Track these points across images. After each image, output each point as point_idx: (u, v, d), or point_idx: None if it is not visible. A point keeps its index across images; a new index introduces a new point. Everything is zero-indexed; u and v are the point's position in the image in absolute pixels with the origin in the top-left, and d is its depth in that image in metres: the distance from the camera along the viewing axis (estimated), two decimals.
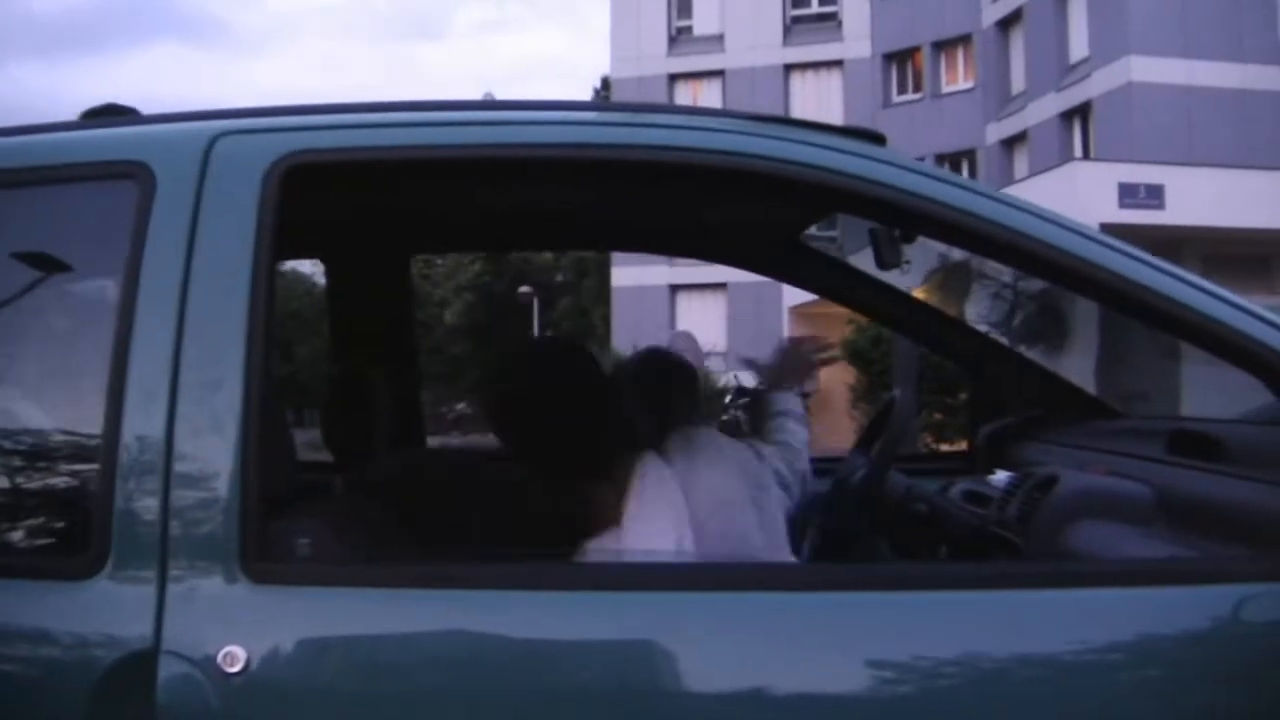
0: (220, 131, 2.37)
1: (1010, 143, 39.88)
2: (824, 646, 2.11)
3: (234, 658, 2.04)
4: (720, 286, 41.69)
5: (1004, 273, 20.81)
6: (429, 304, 55.36)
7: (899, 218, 2.60)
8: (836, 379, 31.90)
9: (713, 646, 2.10)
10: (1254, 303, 2.31)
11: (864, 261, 3.61)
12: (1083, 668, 2.07)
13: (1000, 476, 3.49)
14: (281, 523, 2.47)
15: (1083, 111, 35.44)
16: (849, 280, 4.23)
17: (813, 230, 4.27)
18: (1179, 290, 2.26)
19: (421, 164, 2.51)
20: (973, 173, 40.63)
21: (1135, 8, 32.46)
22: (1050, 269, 2.36)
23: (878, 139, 2.50)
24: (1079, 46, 35.49)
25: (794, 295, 32.00)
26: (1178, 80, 32.11)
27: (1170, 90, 32.03)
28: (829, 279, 4.30)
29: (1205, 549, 2.57)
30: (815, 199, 2.93)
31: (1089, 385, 4.54)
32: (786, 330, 39.15)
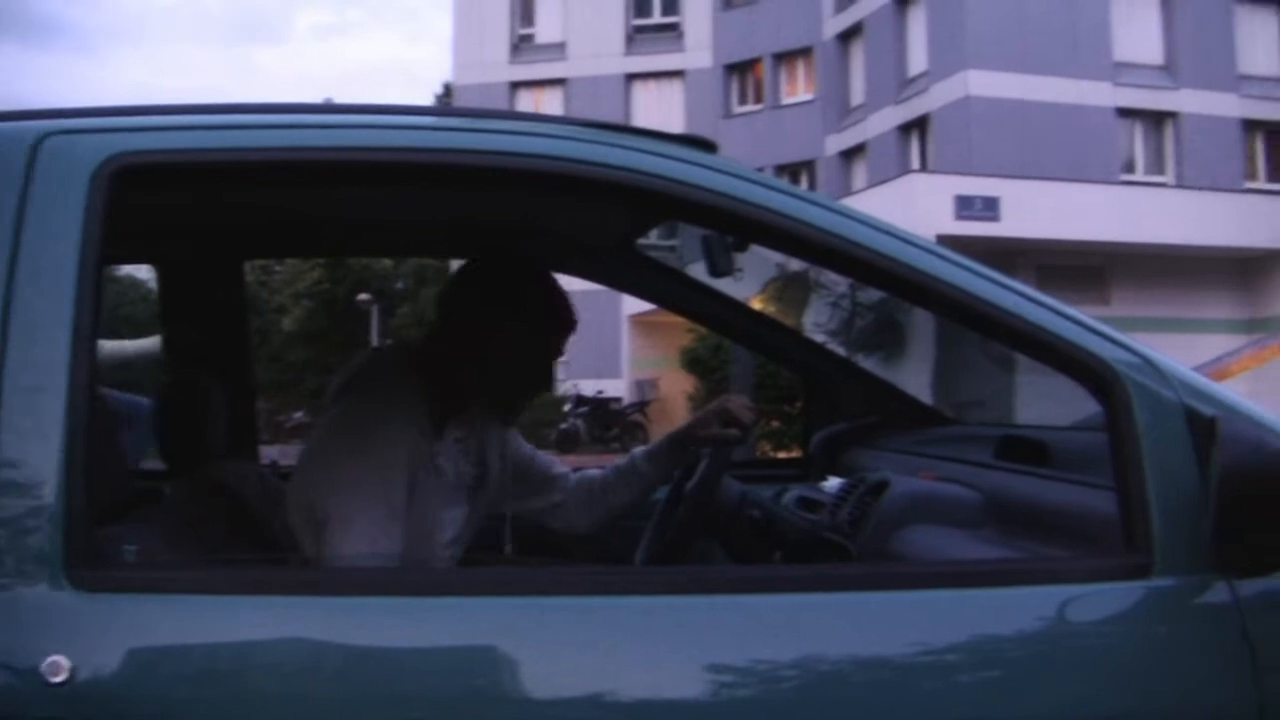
0: (47, 131, 2.27)
1: (849, 154, 40.33)
2: (664, 650, 2.08)
3: (58, 667, 1.96)
4: None
5: (839, 281, 21.00)
6: (267, 310, 54.59)
7: (731, 225, 2.62)
8: (676, 387, 32.04)
9: (553, 651, 2.07)
10: (1086, 313, 2.35)
11: (699, 270, 3.67)
12: (918, 668, 2.08)
13: (833, 483, 3.52)
14: (108, 530, 2.47)
15: (921, 124, 35.96)
16: (684, 288, 4.21)
17: (650, 238, 4.30)
18: (1007, 299, 2.29)
19: (254, 167, 2.41)
20: (812, 184, 41.12)
21: (973, 23, 32.99)
22: (882, 277, 2.37)
23: (709, 146, 2.48)
24: (918, 60, 36.01)
25: (634, 304, 32.02)
26: (1014, 95, 32.66)
27: (1007, 104, 32.58)
28: (664, 287, 4.28)
29: (1032, 551, 2.64)
30: (647, 206, 2.93)
31: (921, 393, 4.58)
32: (625, 338, 39.27)
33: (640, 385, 38.07)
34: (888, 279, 2.37)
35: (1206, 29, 34.89)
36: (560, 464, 3.67)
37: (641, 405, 35.30)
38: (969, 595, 2.17)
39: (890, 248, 2.31)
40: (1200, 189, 31.44)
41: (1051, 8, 33.15)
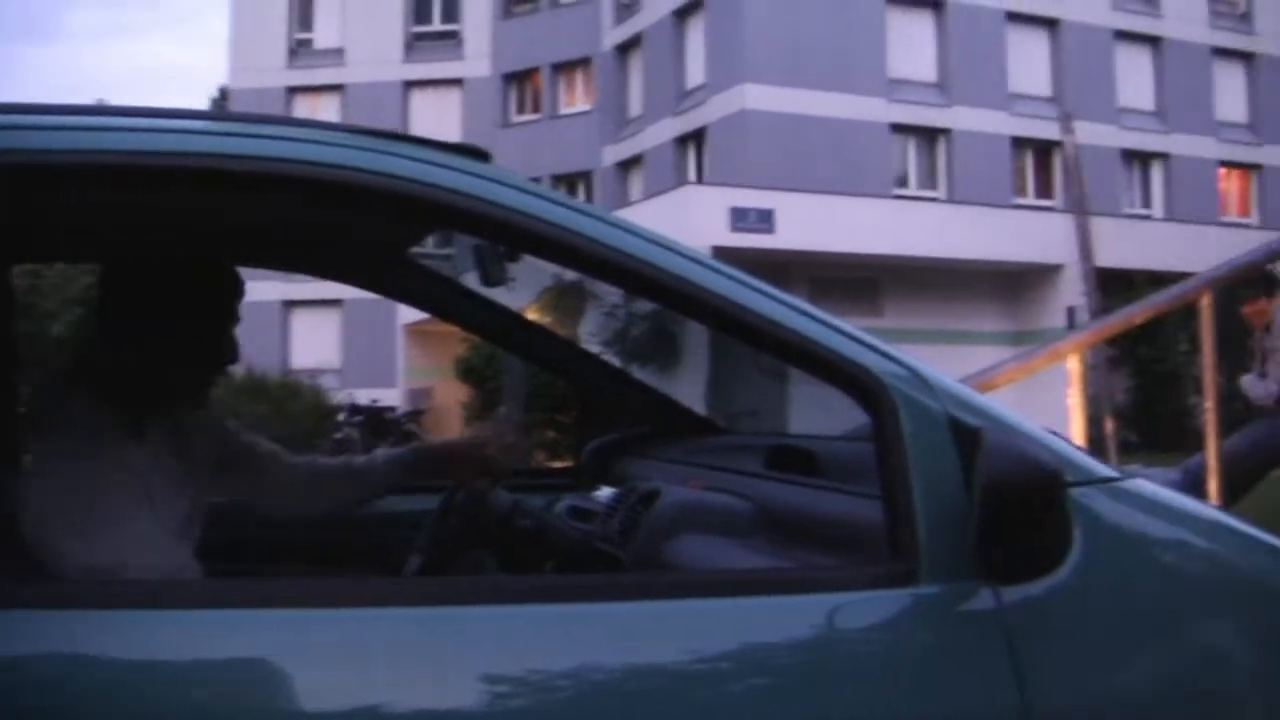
0: None
1: (626, 165, 40.50)
2: (436, 662, 2.04)
3: None
4: (336, 303, 40.85)
5: (613, 292, 20.96)
6: (36, 316, 52.89)
7: (503, 235, 2.56)
8: (451, 397, 31.75)
9: (322, 665, 2.02)
10: (858, 325, 2.37)
11: (473, 279, 3.67)
12: (691, 677, 2.08)
13: (604, 492, 3.53)
14: None
15: (698, 136, 36.21)
16: (457, 297, 4.13)
17: (424, 247, 4.26)
18: (774, 310, 2.30)
19: (15, 169, 2.28)
20: (588, 194, 41.38)
21: (751, 38, 33.31)
22: (652, 288, 2.37)
23: (481, 155, 2.45)
24: (696, 73, 36.28)
25: (409, 313, 31.65)
26: (790, 109, 33.04)
27: (783, 118, 32.92)
28: (437, 296, 4.17)
29: (803, 560, 2.66)
30: (418, 215, 2.84)
31: (694, 403, 4.74)
32: (400, 347, 38.89)
33: (415, 394, 37.79)
34: (657, 290, 2.36)
35: (979, 48, 35.76)
36: (284, 451, 3.50)
37: (416, 414, 34.96)
38: (739, 604, 2.17)
39: (660, 259, 2.30)
40: (971, 204, 32.12)
41: (828, 24, 33.64)
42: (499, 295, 3.78)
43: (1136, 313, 5.92)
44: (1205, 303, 5.45)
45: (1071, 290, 25.90)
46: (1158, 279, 17.62)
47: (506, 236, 2.54)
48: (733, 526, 2.92)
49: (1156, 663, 2.29)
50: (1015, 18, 36.77)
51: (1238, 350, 9.75)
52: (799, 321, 2.29)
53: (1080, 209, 11.29)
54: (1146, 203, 38.97)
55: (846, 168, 32.44)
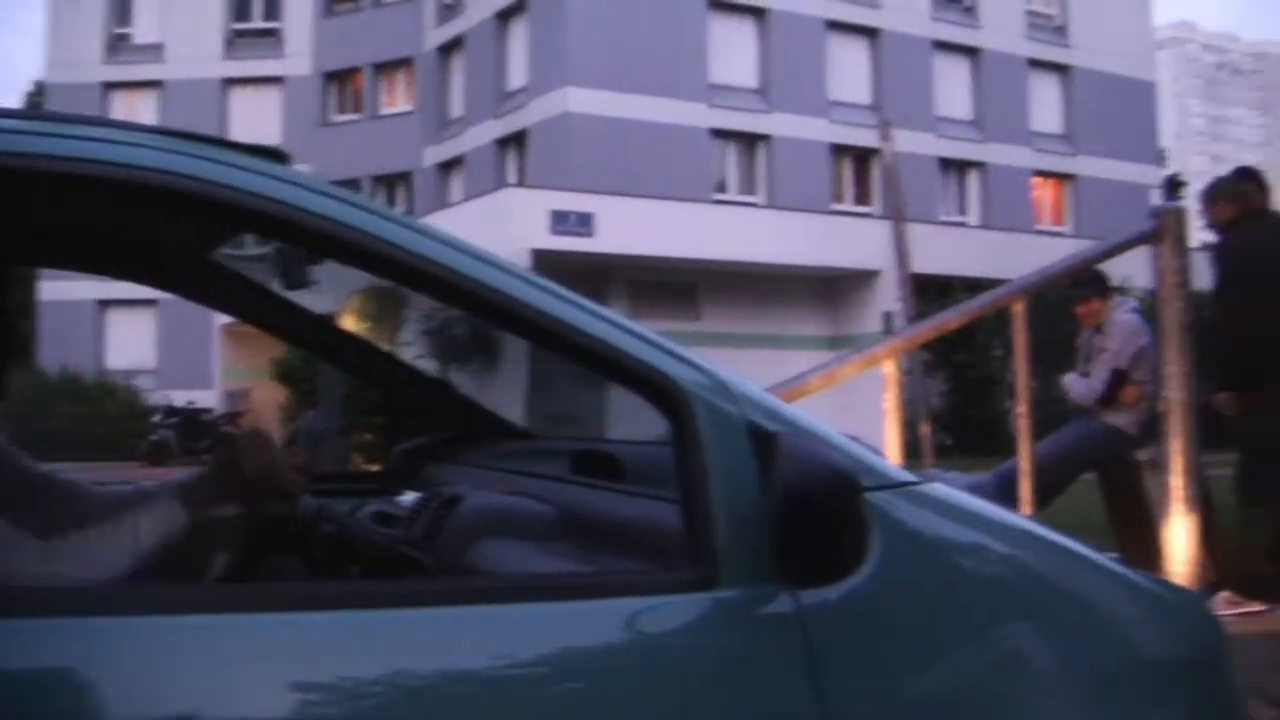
0: None
1: (447, 166, 40.40)
2: (246, 668, 1.97)
3: None
4: (151, 303, 40.07)
5: (421, 297, 20.85)
6: None
7: (296, 237, 2.50)
8: (269, 397, 31.40)
9: (131, 672, 1.93)
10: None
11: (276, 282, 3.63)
12: (496, 682, 2.06)
13: (409, 497, 3.46)
14: None
15: (519, 139, 36.20)
16: (262, 301, 3.98)
17: (232, 250, 4.05)
18: (574, 315, 2.30)
19: None
20: (408, 195, 41.19)
21: (574, 41, 33.36)
22: (452, 293, 2.33)
23: (279, 157, 2.38)
24: (518, 75, 36.29)
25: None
26: (612, 113, 33.15)
27: (604, 122, 33.02)
28: (241, 299, 4.04)
29: (605, 564, 2.65)
30: (212, 215, 2.75)
31: (501, 407, 4.54)
32: (217, 348, 38.36)
33: (232, 396, 37.39)
34: (457, 294, 2.33)
35: (800, 55, 36.19)
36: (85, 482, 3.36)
37: (233, 416, 34.46)
38: (541, 609, 2.16)
39: (460, 263, 2.28)
40: (790, 210, 32.36)
41: (651, 29, 33.80)
42: (304, 298, 3.71)
43: (951, 318, 5.94)
44: (1018, 309, 5.48)
45: (888, 296, 26.19)
46: (973, 285, 17.86)
47: (301, 239, 2.48)
48: (535, 531, 2.93)
49: (954, 665, 2.33)
50: (836, 26, 37.32)
51: (1053, 355, 9.88)
52: (597, 326, 2.29)
53: (897, 216, 11.41)
54: (963, 210, 39.72)
55: (667, 172, 32.60)
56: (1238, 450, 8.20)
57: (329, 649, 2.01)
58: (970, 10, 40.15)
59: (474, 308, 2.36)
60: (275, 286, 3.71)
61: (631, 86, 33.36)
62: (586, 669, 2.12)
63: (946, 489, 2.52)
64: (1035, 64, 41.16)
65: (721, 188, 35.51)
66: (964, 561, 2.44)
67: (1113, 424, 8.28)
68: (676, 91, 34.11)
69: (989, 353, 27.43)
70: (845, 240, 30.71)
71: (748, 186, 36.16)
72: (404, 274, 2.32)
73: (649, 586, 2.23)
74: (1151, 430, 6.80)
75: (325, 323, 4.38)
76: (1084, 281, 8.41)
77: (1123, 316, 8.41)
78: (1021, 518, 2.74)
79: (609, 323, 2.32)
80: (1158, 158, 46.45)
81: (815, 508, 2.11)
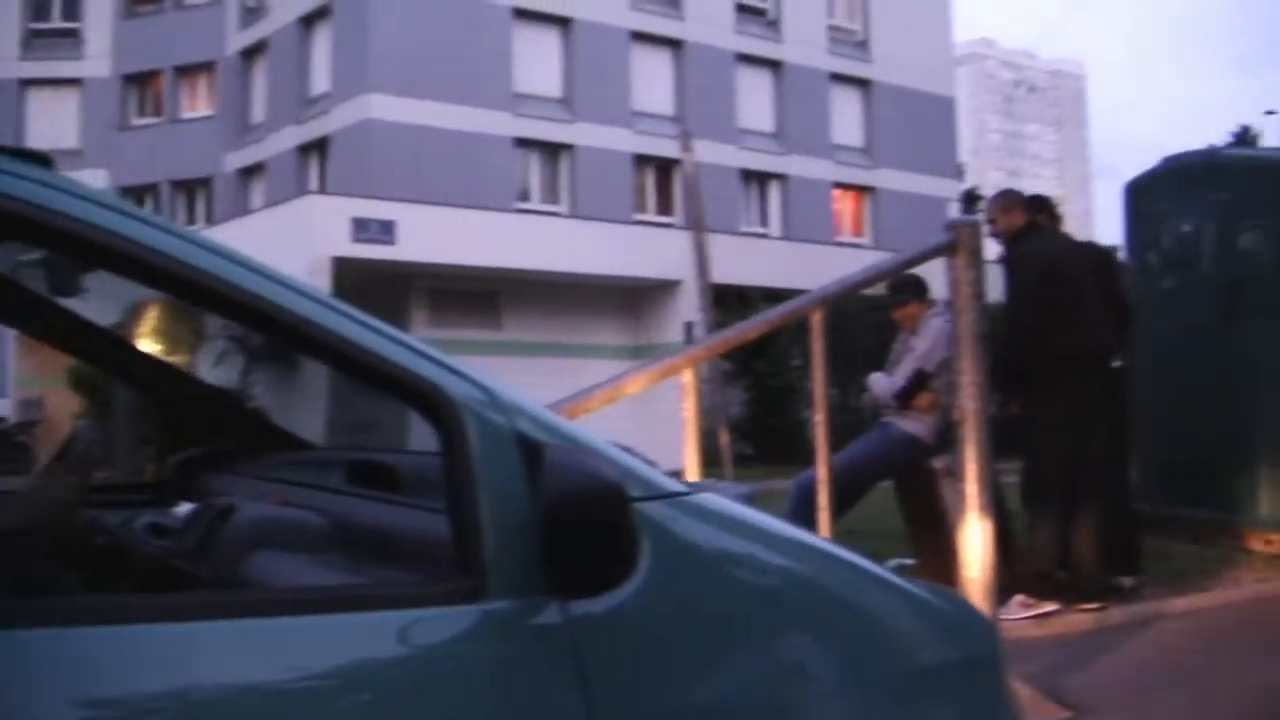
0: None
1: (248, 172, 39.82)
2: (19, 688, 1.89)
3: None
4: None
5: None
6: None
7: (61, 244, 2.37)
8: (65, 407, 30.60)
9: None
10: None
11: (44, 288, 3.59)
12: (266, 694, 2.02)
13: (184, 508, 3.41)
14: None
15: (321, 145, 35.77)
16: (29, 307, 3.86)
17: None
18: (342, 325, 2.26)
19: None
20: (209, 201, 40.41)
21: (377, 47, 33.12)
22: (218, 302, 2.27)
23: (44, 160, 2.29)
24: (321, 81, 35.90)
25: None
26: (415, 120, 32.91)
27: (407, 129, 32.79)
28: (16, 309, 3.93)
29: (377, 576, 2.65)
30: None
31: (279, 417, 4.50)
32: (10, 354, 37.33)
33: (25, 405, 36.32)
34: (223, 304, 2.27)
35: (604, 65, 36.25)
36: None
37: (27, 425, 33.55)
38: (310, 622, 2.11)
39: (224, 270, 2.22)
40: (592, 220, 32.45)
41: (455, 36, 33.62)
42: (77, 306, 3.66)
43: (750, 328, 5.98)
44: (816, 319, 5.57)
45: (689, 306, 26.35)
46: (773, 296, 18.08)
47: (67, 247, 2.39)
48: (308, 543, 2.89)
49: (727, 676, 2.34)
50: (640, 37, 37.45)
51: (853, 364, 10.05)
52: (364, 336, 2.27)
53: (697, 226, 11.44)
54: (764, 221, 40.08)
55: (470, 180, 32.50)
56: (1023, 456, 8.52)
57: (103, 665, 1.96)
58: (773, 24, 40.59)
59: (236, 315, 2.34)
60: (48, 294, 3.63)
61: (435, 94, 33.20)
62: (357, 683, 2.09)
63: (718, 499, 2.55)
64: (837, 78, 41.69)
65: (525, 196, 35.47)
66: (735, 572, 2.47)
67: (909, 432, 8.41)
68: (480, 99, 34.01)
69: (788, 362, 27.71)
70: (647, 250, 30.84)
71: (551, 196, 36.18)
72: (168, 282, 2.28)
73: (418, 599, 2.21)
74: (947, 438, 6.98)
75: (102, 332, 4.24)
76: (903, 286, 8.58)
77: (937, 321, 8.52)
78: (793, 528, 2.75)
79: (376, 332, 2.29)
80: (956, 172, 47.42)
81: (583, 518, 2.13)
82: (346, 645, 2.10)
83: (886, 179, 42.11)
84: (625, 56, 37.01)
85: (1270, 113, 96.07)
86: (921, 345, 8.51)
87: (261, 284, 2.24)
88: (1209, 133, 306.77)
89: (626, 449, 2.48)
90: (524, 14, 35.51)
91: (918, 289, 8.65)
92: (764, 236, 38.41)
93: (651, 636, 2.28)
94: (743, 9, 39.88)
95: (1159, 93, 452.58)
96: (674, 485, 2.46)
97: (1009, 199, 9.01)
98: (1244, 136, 60.41)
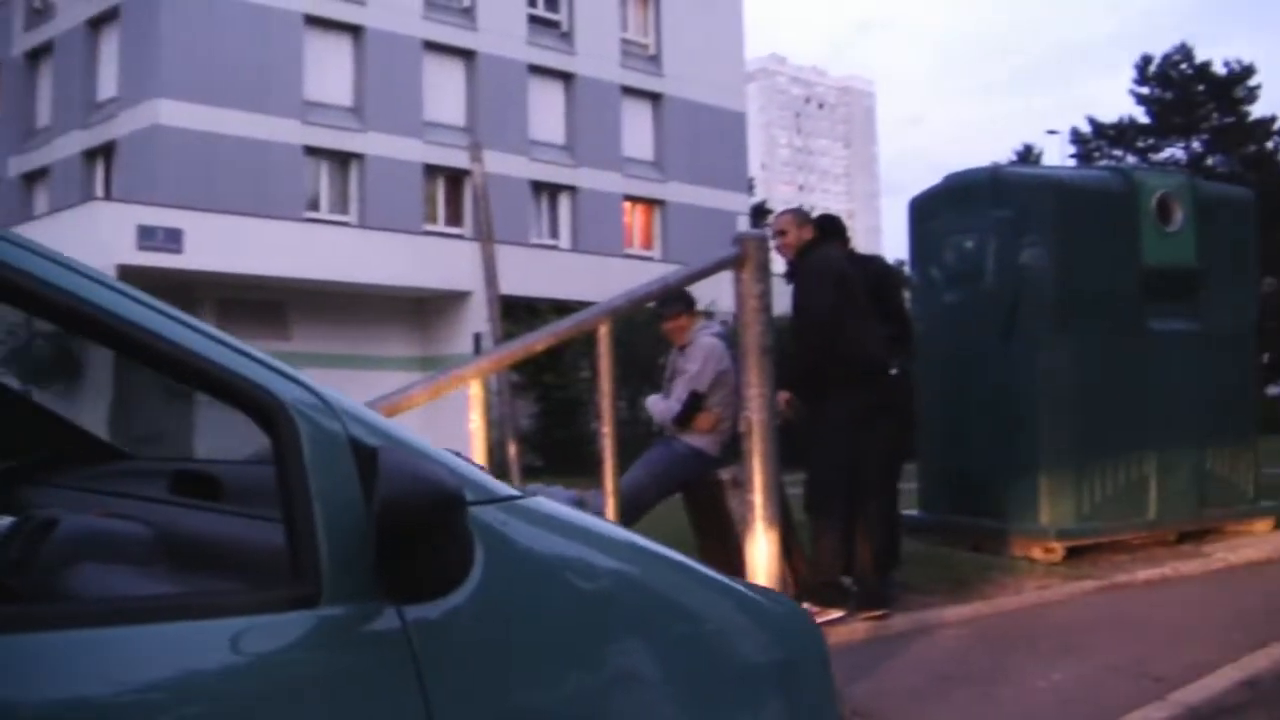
0: None
1: (32, 177, 38.76)
2: None
3: None
4: None
5: (16, 312, 20.04)
6: None
7: None
8: None
9: None
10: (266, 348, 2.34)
11: None
12: (94, 708, 1.95)
13: (2, 521, 3.24)
14: None
15: (108, 151, 34.99)
16: None
17: None
18: (171, 330, 2.22)
19: None
20: None
21: (166, 52, 32.51)
22: (38, 304, 2.17)
23: None
24: (108, 85, 35.08)
25: None
26: (203, 126, 32.35)
27: (195, 136, 32.23)
28: None
29: (205, 585, 2.55)
30: None
31: (97, 427, 4.32)
32: None
33: None
34: (44, 307, 2.18)
35: (395, 74, 35.99)
36: None
37: None
38: (144, 632, 2.05)
39: (45, 272, 2.14)
40: (382, 230, 32.24)
41: (245, 43, 33.15)
42: None
43: (537, 340, 5.97)
44: (604, 331, 5.57)
45: (479, 317, 26.32)
46: (562, 308, 18.13)
47: None
48: (133, 554, 2.79)
49: (563, 677, 2.38)
50: (432, 47, 37.25)
51: (640, 377, 10.09)
52: (195, 341, 2.23)
53: (486, 237, 11.39)
54: (554, 233, 40.14)
55: (259, 189, 32.05)
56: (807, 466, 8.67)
57: None
58: (566, 36, 40.69)
59: (58, 318, 2.25)
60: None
61: (224, 100, 32.64)
62: (193, 692, 2.06)
63: (550, 503, 2.58)
64: (628, 91, 41.92)
65: (314, 206, 35.03)
66: (568, 575, 2.49)
67: (695, 446, 8.49)
68: (270, 107, 33.54)
69: (577, 374, 27.83)
70: (437, 261, 30.78)
71: (340, 205, 35.78)
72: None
73: (251, 606, 2.18)
74: (734, 449, 7.03)
75: None
76: (672, 299, 8.58)
77: (705, 339, 8.63)
78: (625, 532, 2.79)
79: (204, 335, 2.26)
80: (745, 186, 47.99)
81: (419, 522, 2.13)
82: (178, 654, 2.06)
83: (676, 192, 42.42)
84: (417, 66, 36.80)
85: (1052, 132, 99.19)
86: (692, 366, 8.58)
87: (86, 287, 2.19)
88: (994, 150, 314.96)
89: (456, 454, 2.50)
90: (315, 21, 35.11)
91: (686, 301, 8.70)
92: (554, 248, 38.50)
93: (488, 640, 2.29)
94: (536, 21, 39.92)
95: (946, 111, 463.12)
96: (506, 489, 2.48)
97: (801, 215, 9.22)
98: (1026, 154, 62.18)
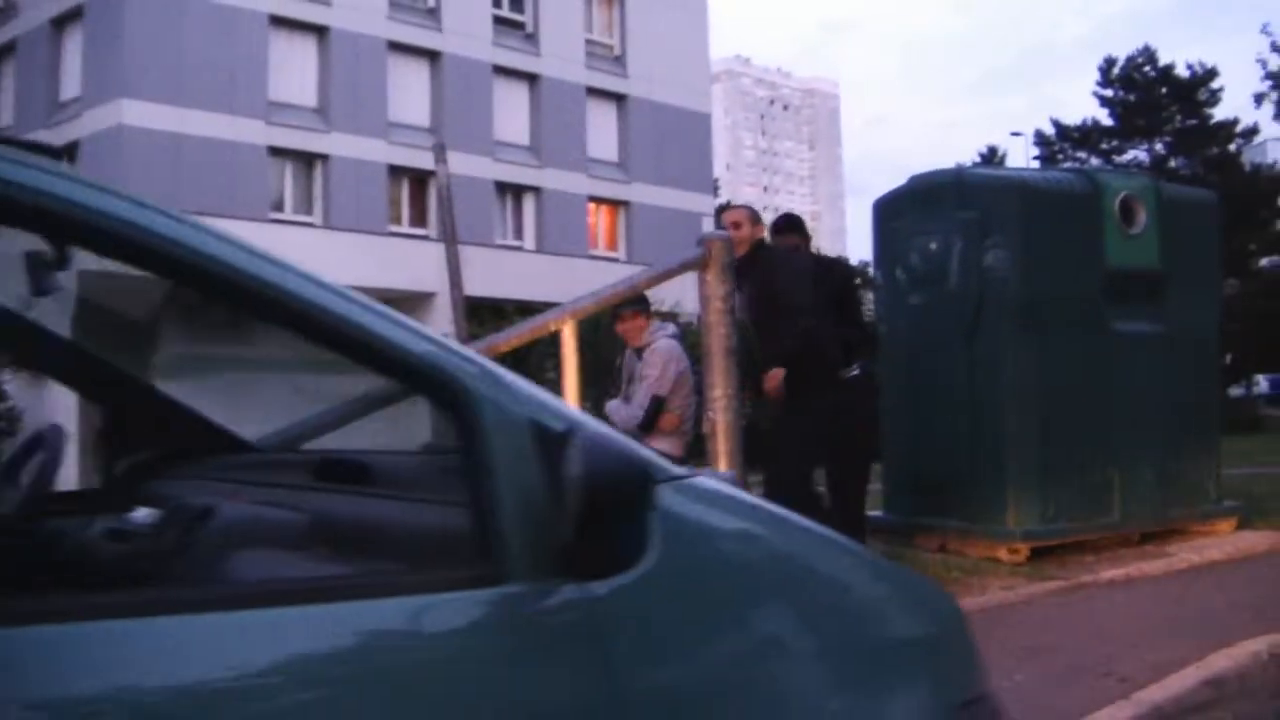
0: None
1: None
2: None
3: None
4: None
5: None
6: None
7: (72, 235, 2.41)
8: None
9: None
10: None
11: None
12: (302, 683, 2.03)
13: (142, 513, 3.26)
14: None
15: (71, 151, 34.72)
16: None
17: None
18: (360, 315, 2.28)
19: None
20: None
21: (130, 52, 32.44)
22: (237, 292, 2.28)
23: (56, 154, 2.35)
24: (72, 85, 34.94)
25: None
26: (168, 127, 32.27)
27: (161, 136, 32.16)
28: None
29: (365, 567, 2.63)
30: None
31: (222, 419, 4.31)
32: None
33: None
34: (237, 293, 2.27)
35: (360, 75, 35.93)
36: None
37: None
38: (333, 610, 2.12)
39: (238, 260, 2.22)
40: (346, 231, 32.23)
41: (210, 43, 33.10)
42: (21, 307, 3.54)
43: (501, 341, 5.97)
44: (567, 332, 5.58)
45: (443, 318, 26.22)
46: (528, 309, 18.11)
47: (73, 235, 2.40)
48: (290, 539, 2.85)
49: (734, 645, 2.44)
50: (397, 47, 37.26)
51: (608, 378, 10.07)
52: (379, 325, 2.28)
53: (451, 238, 11.34)
54: (519, 234, 40.15)
55: (223, 189, 31.96)
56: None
57: (136, 658, 1.94)
58: (531, 37, 40.72)
59: (250, 304, 2.35)
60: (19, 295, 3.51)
61: (188, 100, 32.58)
62: (383, 666, 2.12)
63: (715, 482, 2.66)
64: (593, 92, 42.00)
65: (279, 206, 35.04)
66: (736, 549, 2.57)
67: (659, 449, 8.37)
68: (234, 107, 33.48)
69: (543, 375, 27.81)
70: (401, 262, 30.80)
71: (304, 206, 35.78)
72: (179, 271, 2.29)
73: (436, 584, 2.23)
74: (698, 450, 7.02)
75: (38, 330, 4.06)
76: (628, 300, 8.60)
77: (662, 342, 8.66)
78: (781, 509, 2.84)
79: (388, 320, 2.32)
80: (710, 187, 48.05)
81: (615, 500, 2.21)
82: (373, 630, 2.13)
83: (641, 193, 42.48)
84: (382, 67, 36.79)
85: (1016, 134, 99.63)
86: (652, 371, 8.59)
87: (276, 273, 2.25)
88: (960, 152, 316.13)
89: (625, 434, 2.56)
90: (281, 21, 35.06)
91: (642, 302, 8.72)
92: (519, 249, 38.49)
93: (664, 614, 2.36)
94: (501, 22, 39.95)
95: (911, 113, 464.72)
96: (677, 469, 2.54)
97: (755, 213, 9.28)
98: (991, 156, 62.41)
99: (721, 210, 39.73)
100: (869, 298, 13.66)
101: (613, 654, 2.28)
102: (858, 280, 10.52)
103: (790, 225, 9.66)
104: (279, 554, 2.81)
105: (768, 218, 9.71)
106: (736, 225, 8.81)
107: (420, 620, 2.18)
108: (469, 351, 2.40)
